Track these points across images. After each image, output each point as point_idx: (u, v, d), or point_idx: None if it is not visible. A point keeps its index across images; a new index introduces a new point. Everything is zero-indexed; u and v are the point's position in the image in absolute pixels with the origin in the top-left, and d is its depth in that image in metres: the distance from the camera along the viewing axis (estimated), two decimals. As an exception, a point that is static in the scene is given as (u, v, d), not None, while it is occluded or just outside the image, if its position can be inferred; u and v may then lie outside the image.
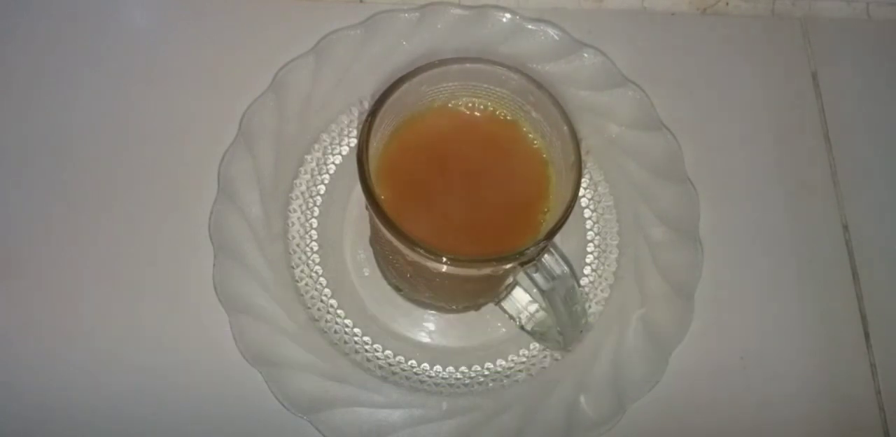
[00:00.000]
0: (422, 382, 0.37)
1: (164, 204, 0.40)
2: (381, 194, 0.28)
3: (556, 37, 0.42)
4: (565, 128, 0.29)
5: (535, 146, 0.32)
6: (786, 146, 0.44)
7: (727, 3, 0.47)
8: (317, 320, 0.38)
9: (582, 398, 0.37)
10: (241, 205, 0.38)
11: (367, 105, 0.41)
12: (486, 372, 0.38)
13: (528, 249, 0.27)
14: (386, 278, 0.39)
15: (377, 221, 0.27)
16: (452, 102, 0.32)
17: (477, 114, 0.33)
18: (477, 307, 0.39)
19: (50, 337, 0.37)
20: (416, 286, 0.36)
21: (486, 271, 0.29)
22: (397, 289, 0.38)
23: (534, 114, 0.31)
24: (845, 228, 0.42)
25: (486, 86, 0.31)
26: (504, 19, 0.42)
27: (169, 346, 0.37)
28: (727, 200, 0.42)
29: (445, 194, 0.32)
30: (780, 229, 0.42)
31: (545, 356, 0.38)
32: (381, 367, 0.37)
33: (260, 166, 0.39)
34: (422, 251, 0.27)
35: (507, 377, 0.38)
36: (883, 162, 0.44)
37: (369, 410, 0.36)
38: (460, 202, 0.32)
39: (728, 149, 0.43)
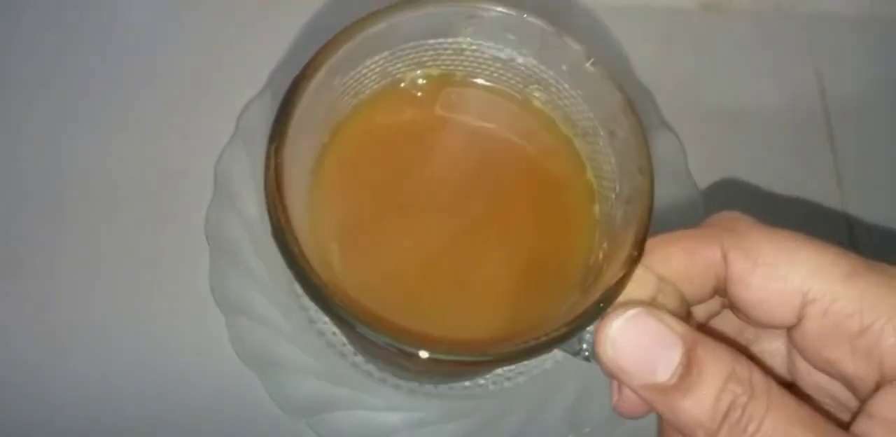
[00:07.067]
0: (421, 384, 0.37)
1: (159, 203, 0.39)
2: (324, 274, 0.18)
3: (557, 35, 0.41)
4: (588, 64, 0.16)
5: (537, 105, 0.21)
6: (789, 147, 0.44)
7: (730, 1, 0.46)
8: (314, 322, 0.37)
9: (584, 400, 0.36)
10: (237, 204, 0.38)
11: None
12: (487, 374, 0.37)
13: (571, 327, 0.19)
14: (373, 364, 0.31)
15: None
16: (390, 85, 0.21)
17: (437, 92, 0.21)
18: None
19: (45, 338, 0.37)
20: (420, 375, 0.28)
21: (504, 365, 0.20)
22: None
23: (520, 59, 0.20)
24: (850, 230, 0.42)
25: (431, 42, 0.19)
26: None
27: (164, 347, 0.37)
28: (728, 201, 0.42)
29: (425, 236, 0.21)
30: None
31: (545, 359, 0.38)
32: (379, 369, 0.37)
33: (257, 165, 0.39)
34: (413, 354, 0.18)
35: (508, 379, 0.37)
36: (888, 164, 0.44)
37: (368, 413, 0.36)
38: (448, 240, 0.21)
39: (730, 149, 0.43)
